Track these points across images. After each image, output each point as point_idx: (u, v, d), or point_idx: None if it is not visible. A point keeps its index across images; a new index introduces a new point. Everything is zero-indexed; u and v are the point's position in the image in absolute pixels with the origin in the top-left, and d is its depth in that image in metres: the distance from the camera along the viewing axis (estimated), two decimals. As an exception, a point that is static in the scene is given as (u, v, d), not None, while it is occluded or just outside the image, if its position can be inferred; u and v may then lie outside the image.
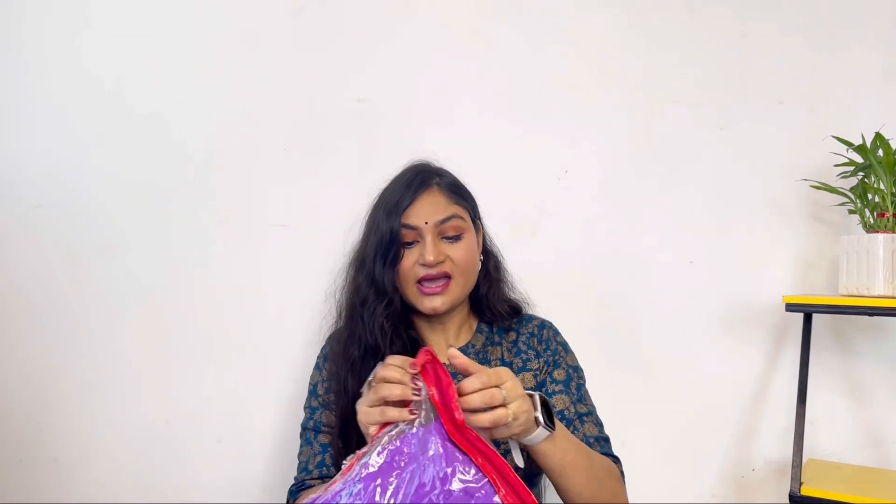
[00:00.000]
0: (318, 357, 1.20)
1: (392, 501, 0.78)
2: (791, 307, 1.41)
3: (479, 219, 1.19)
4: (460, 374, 0.87)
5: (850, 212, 1.48)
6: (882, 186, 1.40)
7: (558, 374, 1.13)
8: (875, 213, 1.42)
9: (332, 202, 1.44)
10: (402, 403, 0.84)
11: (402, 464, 0.80)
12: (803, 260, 1.58)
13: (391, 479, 0.79)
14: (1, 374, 1.38)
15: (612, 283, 1.59)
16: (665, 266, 1.59)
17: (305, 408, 1.17)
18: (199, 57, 1.46)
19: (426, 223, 1.08)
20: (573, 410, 1.10)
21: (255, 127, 1.47)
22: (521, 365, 1.15)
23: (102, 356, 1.40)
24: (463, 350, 1.15)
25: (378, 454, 0.81)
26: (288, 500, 1.12)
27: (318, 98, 1.49)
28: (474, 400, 0.82)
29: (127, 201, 1.42)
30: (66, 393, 1.39)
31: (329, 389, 1.14)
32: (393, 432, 0.83)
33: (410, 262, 1.09)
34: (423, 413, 0.83)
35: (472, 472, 0.80)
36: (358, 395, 1.07)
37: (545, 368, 1.14)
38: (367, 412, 0.86)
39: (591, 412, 1.12)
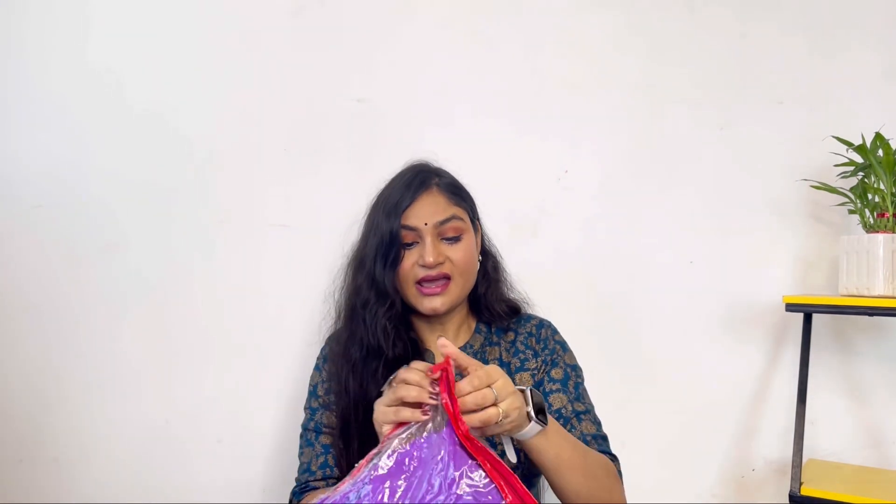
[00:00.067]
0: (318, 358, 1.20)
1: (400, 503, 0.78)
2: (791, 307, 1.41)
3: (478, 219, 1.19)
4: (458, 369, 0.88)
5: (850, 212, 1.48)
6: (882, 186, 1.40)
7: (556, 373, 1.13)
8: (875, 213, 1.42)
9: (332, 202, 1.44)
10: (419, 407, 0.85)
11: (412, 467, 0.81)
12: (803, 260, 1.58)
13: (400, 482, 0.80)
14: (1, 374, 1.38)
15: (612, 283, 1.59)
16: (665, 266, 1.59)
17: (306, 408, 1.17)
18: (199, 57, 1.46)
19: (426, 224, 1.08)
20: (571, 409, 1.10)
21: (255, 127, 1.47)
22: (518, 365, 1.15)
23: (102, 356, 1.40)
24: (462, 350, 1.15)
25: (388, 457, 0.82)
26: (291, 501, 1.12)
27: (318, 98, 1.49)
28: (467, 402, 0.83)
29: (127, 201, 1.42)
30: (66, 393, 1.39)
31: (329, 390, 1.14)
32: (403, 435, 0.84)
33: (410, 263, 1.09)
34: (436, 418, 0.84)
35: (480, 477, 0.81)
36: (358, 396, 1.08)
37: (543, 367, 1.14)
38: (383, 411, 0.87)
39: (589, 410, 1.12)
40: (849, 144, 1.44)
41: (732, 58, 1.60)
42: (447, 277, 1.09)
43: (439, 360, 1.13)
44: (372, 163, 1.39)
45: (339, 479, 1.10)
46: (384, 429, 0.87)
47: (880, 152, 1.40)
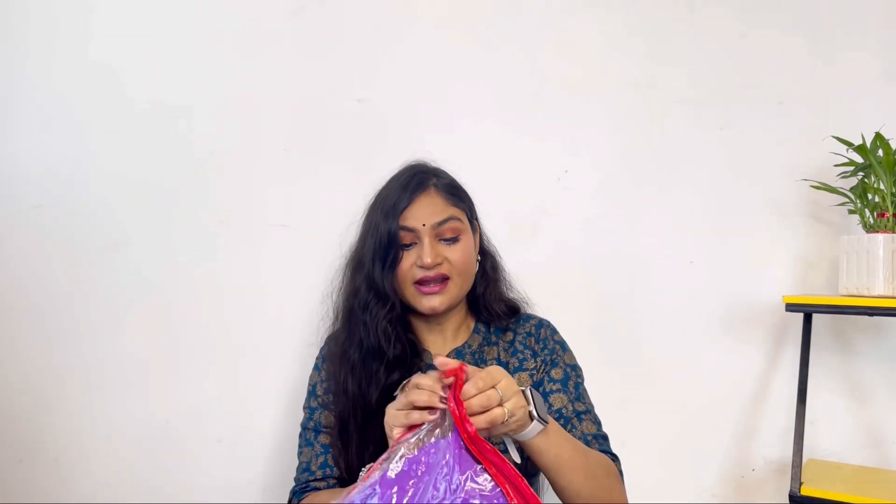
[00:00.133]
0: (317, 358, 1.20)
1: None
2: (791, 307, 1.41)
3: (477, 219, 1.19)
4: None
5: (850, 212, 1.48)
6: (882, 186, 1.40)
7: (556, 374, 1.13)
8: (875, 213, 1.42)
9: (332, 202, 1.44)
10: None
11: (420, 472, 0.82)
12: (803, 260, 1.58)
13: (408, 487, 0.81)
14: (1, 374, 1.38)
15: (612, 283, 1.59)
16: (665, 266, 1.59)
17: (305, 408, 1.17)
18: (199, 57, 1.46)
19: (424, 225, 1.08)
20: (571, 409, 1.10)
21: (255, 127, 1.47)
22: (517, 365, 1.15)
23: (102, 356, 1.40)
24: (459, 350, 1.15)
25: (397, 462, 0.83)
26: (290, 501, 1.12)
27: (318, 98, 1.49)
28: (472, 405, 0.83)
29: (127, 201, 1.42)
30: (66, 393, 1.39)
31: (328, 390, 1.14)
32: (412, 440, 0.84)
33: (408, 264, 1.09)
34: (443, 423, 0.85)
35: (486, 481, 0.82)
36: (356, 397, 1.08)
37: (542, 368, 1.14)
38: (393, 414, 0.88)
39: (590, 410, 1.12)
40: (849, 144, 1.44)
41: (732, 58, 1.60)
42: (445, 278, 1.09)
43: (438, 360, 1.14)
44: (372, 163, 1.39)
45: (338, 478, 1.10)
46: (394, 432, 0.87)
47: (880, 152, 1.40)
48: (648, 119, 1.60)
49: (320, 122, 1.49)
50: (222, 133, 1.46)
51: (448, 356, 1.14)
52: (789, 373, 1.55)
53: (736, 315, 1.59)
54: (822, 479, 1.40)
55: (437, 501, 0.79)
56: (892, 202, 1.40)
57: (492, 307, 1.17)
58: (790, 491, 1.36)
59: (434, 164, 1.18)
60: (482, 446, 0.83)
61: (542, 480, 1.17)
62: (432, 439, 0.84)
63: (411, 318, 1.16)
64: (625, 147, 1.60)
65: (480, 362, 1.15)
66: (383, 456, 0.86)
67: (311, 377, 1.19)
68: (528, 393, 0.89)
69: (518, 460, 0.90)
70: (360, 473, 0.95)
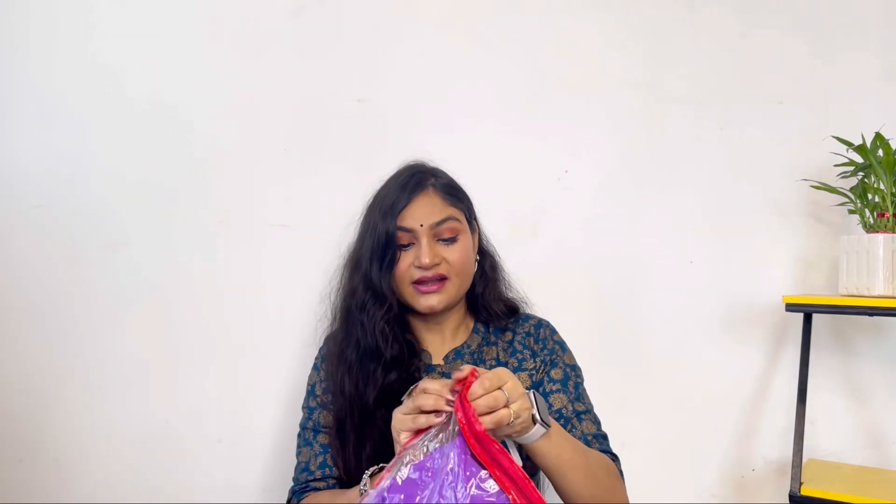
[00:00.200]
0: (316, 358, 1.20)
1: None
2: (791, 307, 1.41)
3: (475, 219, 1.19)
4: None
5: (850, 212, 1.48)
6: (882, 186, 1.40)
7: (556, 374, 1.13)
8: (875, 213, 1.42)
9: (332, 202, 1.43)
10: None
11: (426, 478, 0.82)
12: (803, 260, 1.58)
13: (416, 493, 0.82)
14: (1, 374, 1.38)
15: (613, 283, 1.59)
16: (665, 266, 1.59)
17: (304, 408, 1.17)
18: (199, 57, 1.46)
19: (422, 225, 1.08)
20: (571, 409, 1.10)
21: (255, 127, 1.47)
22: (516, 365, 1.14)
23: (103, 356, 1.40)
24: (458, 350, 1.15)
25: (404, 468, 0.84)
26: (290, 501, 1.12)
27: (318, 98, 1.49)
28: (479, 405, 0.83)
29: (127, 201, 1.42)
30: (67, 393, 1.39)
31: (327, 390, 1.14)
32: (419, 445, 0.84)
33: (406, 265, 1.09)
34: (448, 428, 0.85)
35: (491, 486, 0.82)
36: (354, 398, 1.08)
37: (542, 368, 1.14)
38: (400, 419, 0.89)
39: (589, 410, 1.12)
40: (849, 144, 1.44)
41: (732, 58, 1.60)
42: (443, 278, 1.09)
43: (436, 360, 1.14)
44: (372, 163, 1.39)
45: (337, 478, 1.10)
46: (401, 437, 0.88)
47: (880, 152, 1.40)
48: (648, 119, 1.60)
49: (320, 122, 1.49)
50: (222, 133, 1.46)
51: (447, 356, 1.14)
52: (789, 373, 1.55)
53: (736, 315, 1.59)
54: (822, 479, 1.40)
55: None
56: (892, 202, 1.40)
57: (491, 307, 1.17)
58: (790, 491, 1.36)
59: (432, 164, 1.18)
60: (490, 446, 0.82)
61: (543, 479, 1.17)
62: (438, 445, 0.84)
63: (410, 318, 1.16)
64: (625, 147, 1.60)
65: (479, 362, 1.15)
66: (392, 462, 0.86)
67: (310, 377, 1.19)
68: (532, 396, 0.89)
69: (520, 464, 0.90)
70: (364, 477, 0.96)
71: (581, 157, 1.59)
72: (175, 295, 1.43)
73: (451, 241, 1.10)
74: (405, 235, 1.08)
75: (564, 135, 1.58)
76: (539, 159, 1.58)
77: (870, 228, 1.43)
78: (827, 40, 1.59)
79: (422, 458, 0.83)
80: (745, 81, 1.60)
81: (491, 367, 1.14)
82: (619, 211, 1.59)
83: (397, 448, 0.89)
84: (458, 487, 0.81)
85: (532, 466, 0.96)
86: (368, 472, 0.97)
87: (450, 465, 0.82)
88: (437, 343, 1.16)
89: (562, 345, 1.17)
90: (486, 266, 1.19)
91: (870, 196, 1.43)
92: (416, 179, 1.11)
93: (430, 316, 1.13)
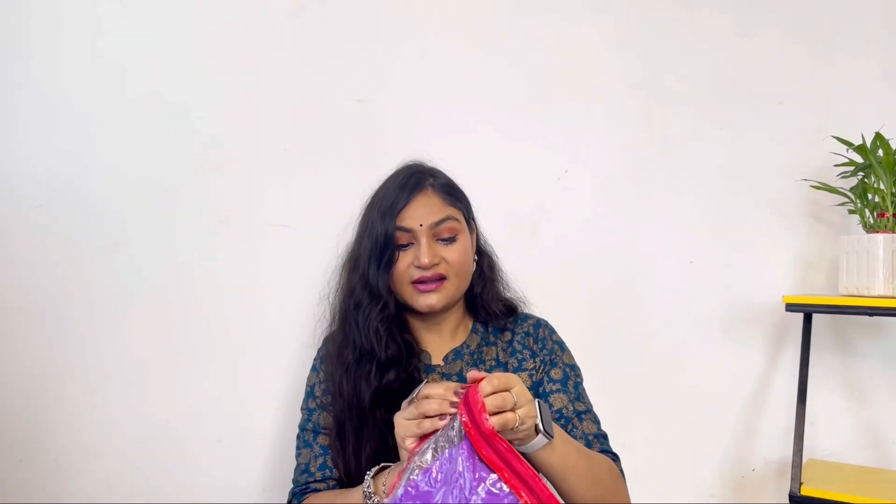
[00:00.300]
0: (315, 359, 1.20)
1: None
2: (791, 307, 1.41)
3: (473, 218, 1.19)
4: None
5: (850, 212, 1.48)
6: (882, 186, 1.40)
7: (555, 374, 1.13)
8: (875, 213, 1.42)
9: (332, 202, 1.43)
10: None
11: (437, 484, 0.82)
12: (803, 260, 1.58)
13: (428, 500, 0.81)
14: (1, 374, 1.38)
15: (612, 283, 1.59)
16: (665, 266, 1.59)
17: (303, 409, 1.17)
18: (199, 57, 1.46)
19: (421, 225, 1.08)
20: (571, 409, 1.10)
21: (255, 127, 1.47)
22: (516, 365, 1.14)
23: (103, 356, 1.40)
24: (458, 350, 1.15)
25: (414, 474, 0.83)
26: (290, 502, 1.12)
27: (318, 98, 1.49)
28: (488, 403, 0.83)
29: (127, 201, 1.42)
30: (67, 392, 1.39)
31: (327, 391, 1.14)
32: (426, 449, 0.84)
33: (405, 265, 1.08)
34: (455, 431, 0.84)
35: (500, 488, 0.82)
36: (352, 398, 1.08)
37: (542, 368, 1.14)
38: (404, 425, 0.88)
39: (589, 409, 1.12)
40: (849, 144, 1.44)
41: (732, 58, 1.60)
42: (442, 278, 1.09)
43: (436, 360, 1.14)
44: (372, 163, 1.39)
45: (338, 480, 1.10)
46: (407, 443, 0.88)
47: (880, 152, 1.40)
48: (648, 119, 1.60)
49: (320, 122, 1.49)
50: (222, 133, 1.46)
51: (447, 356, 1.14)
52: (789, 373, 1.55)
53: (736, 315, 1.59)
54: (822, 479, 1.40)
55: None
56: (892, 202, 1.40)
57: (489, 307, 1.17)
58: (790, 491, 1.36)
59: (430, 164, 1.18)
60: (498, 445, 0.82)
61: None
62: (445, 445, 0.84)
63: (409, 318, 1.16)
64: (625, 147, 1.60)
65: (479, 362, 1.15)
66: (403, 467, 0.86)
67: (309, 378, 1.19)
68: (537, 405, 0.89)
69: None
70: (367, 478, 0.96)
71: (581, 157, 1.59)
72: (175, 295, 1.43)
73: (451, 240, 1.09)
74: (404, 235, 1.08)
75: (564, 135, 1.58)
76: (539, 159, 1.58)
77: (870, 228, 1.43)
78: (827, 41, 1.59)
79: (430, 463, 0.83)
80: (745, 81, 1.60)
81: (491, 368, 1.14)
82: (618, 211, 1.59)
83: (403, 454, 0.88)
84: (466, 490, 0.80)
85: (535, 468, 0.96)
86: (371, 474, 0.97)
87: (458, 470, 0.82)
88: (437, 343, 1.16)
89: (561, 344, 1.17)
90: (485, 266, 1.19)
91: (870, 196, 1.43)
92: (415, 179, 1.11)
93: (429, 316, 1.13)
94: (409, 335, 1.13)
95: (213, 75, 1.46)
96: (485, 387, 0.84)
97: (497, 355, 1.16)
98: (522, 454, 0.90)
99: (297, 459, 1.14)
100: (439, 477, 0.82)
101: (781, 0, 1.61)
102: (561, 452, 0.91)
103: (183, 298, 1.43)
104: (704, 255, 1.59)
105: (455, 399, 0.85)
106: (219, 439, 1.44)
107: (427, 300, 1.09)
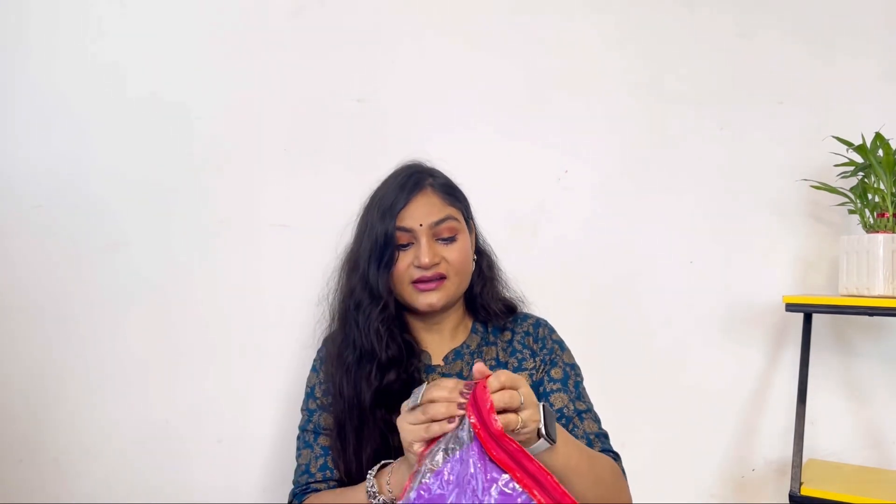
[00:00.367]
0: (315, 359, 1.20)
1: None
2: (791, 307, 1.41)
3: (472, 218, 1.19)
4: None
5: (850, 212, 1.48)
6: (882, 186, 1.40)
7: (556, 373, 1.13)
8: (875, 213, 1.42)
9: (332, 202, 1.43)
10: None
11: (449, 486, 0.81)
12: (803, 260, 1.58)
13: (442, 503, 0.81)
14: (1, 374, 1.38)
15: (612, 283, 1.59)
16: (665, 266, 1.59)
17: (303, 410, 1.17)
18: (199, 57, 1.46)
19: (421, 225, 1.08)
20: (572, 408, 1.10)
21: (255, 127, 1.47)
22: (516, 365, 1.14)
23: (102, 356, 1.40)
24: (458, 350, 1.15)
25: (427, 476, 0.83)
26: (291, 502, 1.12)
27: (318, 98, 1.49)
28: (496, 399, 0.82)
29: (127, 201, 1.42)
30: (67, 393, 1.39)
31: (327, 392, 1.14)
32: (436, 452, 0.83)
33: (405, 264, 1.08)
34: (464, 431, 0.84)
35: (513, 487, 0.81)
36: (352, 399, 1.08)
37: (542, 367, 1.14)
38: (411, 430, 0.86)
39: (590, 409, 1.12)
40: (849, 144, 1.44)
41: (732, 58, 1.60)
42: (443, 277, 1.09)
43: (436, 361, 1.14)
44: (372, 163, 1.39)
45: (338, 481, 1.10)
46: (415, 447, 0.86)
47: (880, 152, 1.40)
48: (648, 119, 1.60)
49: (320, 122, 1.49)
50: (222, 133, 1.46)
51: (447, 356, 1.14)
52: (789, 373, 1.55)
53: (736, 315, 1.59)
54: (822, 479, 1.40)
55: None
56: (892, 202, 1.40)
57: (489, 306, 1.17)
58: (790, 491, 1.36)
59: (429, 164, 1.18)
60: (507, 445, 0.81)
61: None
62: (454, 447, 0.83)
63: (409, 318, 1.16)
64: (625, 147, 1.60)
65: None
66: (413, 471, 0.85)
67: (309, 379, 1.18)
68: (541, 409, 0.88)
69: None
70: (369, 477, 0.95)
71: (581, 157, 1.59)
72: (175, 295, 1.43)
73: (450, 240, 1.10)
74: (404, 235, 1.08)
75: (564, 135, 1.58)
76: (539, 159, 1.58)
77: (870, 228, 1.43)
78: (827, 41, 1.59)
79: (441, 466, 0.82)
80: (745, 81, 1.60)
81: (491, 368, 1.13)
82: (618, 211, 1.59)
83: (411, 457, 0.87)
84: (482, 493, 0.80)
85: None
86: (373, 472, 0.97)
87: (470, 471, 0.81)
88: (437, 343, 1.16)
89: (560, 344, 1.17)
90: (484, 265, 1.19)
91: (870, 196, 1.43)
92: (415, 179, 1.11)
93: (429, 316, 1.13)
94: (409, 335, 1.13)
95: (212, 75, 1.46)
96: (492, 383, 0.83)
97: (497, 355, 1.16)
98: None
99: (297, 460, 1.14)
100: (451, 479, 0.81)
101: (781, 0, 1.61)
102: (564, 454, 0.91)
103: (183, 298, 1.43)
104: (704, 255, 1.59)
105: (462, 400, 0.84)
106: (219, 439, 1.44)
107: (427, 299, 1.09)
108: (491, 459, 0.82)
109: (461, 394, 0.84)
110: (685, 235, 1.59)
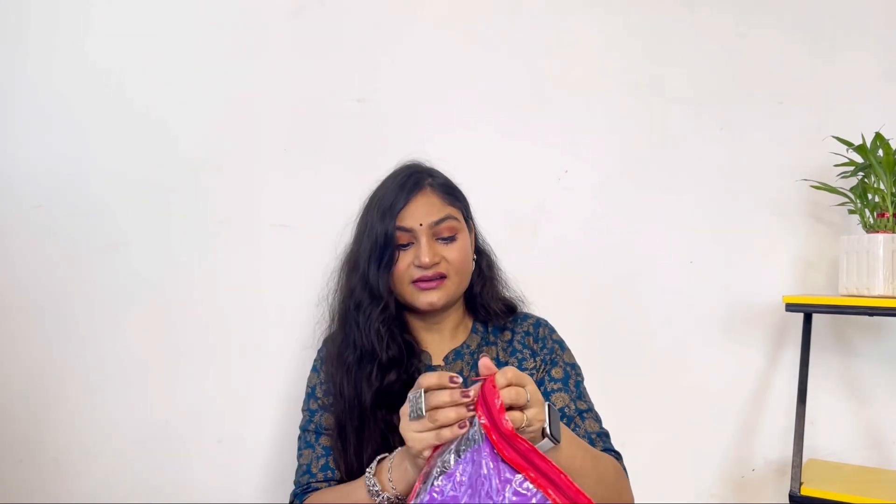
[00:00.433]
0: (315, 360, 1.20)
1: None
2: (791, 307, 1.41)
3: (472, 218, 1.19)
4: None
5: (850, 212, 1.48)
6: (882, 186, 1.40)
7: (556, 373, 1.13)
8: (875, 213, 1.42)
9: (332, 202, 1.43)
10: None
11: (462, 488, 0.81)
12: (803, 260, 1.58)
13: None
14: (1, 374, 1.38)
15: (612, 283, 1.59)
16: (665, 266, 1.59)
17: (304, 410, 1.17)
18: (199, 57, 1.46)
19: (421, 225, 1.08)
20: (573, 408, 1.10)
21: (255, 127, 1.47)
22: (516, 365, 1.14)
23: (102, 356, 1.40)
24: (458, 350, 1.15)
25: (438, 479, 0.82)
26: (292, 502, 1.12)
27: (318, 98, 1.49)
28: (503, 395, 0.82)
29: (127, 201, 1.42)
30: (67, 393, 1.39)
31: (328, 392, 1.14)
32: (447, 455, 0.83)
33: (405, 264, 1.08)
34: (475, 431, 0.83)
35: (527, 487, 0.81)
36: (353, 400, 1.08)
37: (542, 367, 1.14)
38: (420, 438, 0.84)
39: (591, 408, 1.12)
40: (849, 144, 1.44)
41: (732, 58, 1.60)
42: (443, 276, 1.09)
43: (436, 361, 1.14)
44: (372, 163, 1.39)
45: (340, 481, 1.10)
46: (425, 454, 0.85)
47: (880, 152, 1.40)
48: (648, 119, 1.60)
49: (320, 122, 1.49)
50: (222, 133, 1.46)
51: (447, 356, 1.14)
52: (789, 373, 1.55)
53: (736, 315, 1.59)
54: (822, 479, 1.40)
55: None
56: (892, 202, 1.40)
57: (489, 306, 1.17)
58: (790, 491, 1.36)
59: (429, 164, 1.18)
60: (519, 445, 0.81)
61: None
62: (465, 448, 0.82)
63: (409, 318, 1.16)
64: (625, 147, 1.60)
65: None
66: (423, 472, 0.84)
67: (310, 379, 1.18)
68: (546, 409, 0.87)
69: None
70: (368, 474, 0.95)
71: (581, 157, 1.59)
72: (175, 295, 1.43)
73: (450, 239, 1.10)
74: (404, 235, 1.08)
75: (564, 135, 1.58)
76: (539, 159, 1.58)
77: (870, 228, 1.43)
78: (827, 40, 1.59)
79: (453, 467, 0.81)
80: (745, 81, 1.60)
81: None
82: (618, 211, 1.59)
83: (419, 462, 0.86)
84: (496, 494, 0.79)
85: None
86: (371, 469, 0.97)
87: (483, 472, 0.80)
88: (437, 343, 1.16)
89: (561, 343, 1.17)
90: (483, 265, 1.19)
91: (870, 196, 1.43)
92: (414, 179, 1.11)
93: (429, 316, 1.13)
94: (410, 335, 1.13)
95: (212, 75, 1.46)
96: (499, 379, 0.82)
97: (497, 355, 1.16)
98: None
99: (298, 460, 1.14)
100: (464, 480, 0.81)
101: (781, 0, 1.61)
102: (568, 454, 0.91)
103: (183, 298, 1.43)
104: (704, 255, 1.59)
105: (465, 401, 0.83)
106: (219, 439, 1.44)
107: (428, 298, 1.09)
108: (503, 460, 0.81)
109: (463, 395, 0.84)
110: (685, 235, 1.59)
